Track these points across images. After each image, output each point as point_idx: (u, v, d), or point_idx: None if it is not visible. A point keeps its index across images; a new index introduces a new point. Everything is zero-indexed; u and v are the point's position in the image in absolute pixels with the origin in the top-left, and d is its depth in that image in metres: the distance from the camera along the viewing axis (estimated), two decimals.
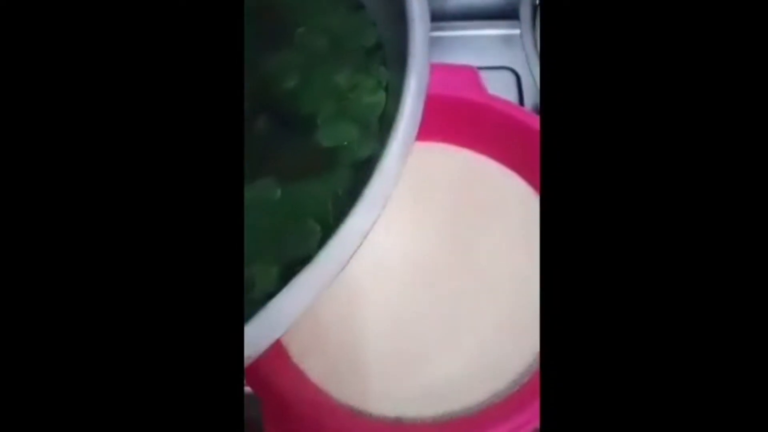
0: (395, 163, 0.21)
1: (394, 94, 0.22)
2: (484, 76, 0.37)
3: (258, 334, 0.18)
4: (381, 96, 0.23)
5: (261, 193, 0.22)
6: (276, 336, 0.19)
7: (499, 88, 0.45)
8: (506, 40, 0.44)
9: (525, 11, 0.41)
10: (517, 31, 0.42)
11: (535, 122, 0.36)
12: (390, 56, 0.24)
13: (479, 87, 0.37)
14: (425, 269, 0.36)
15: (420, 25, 0.23)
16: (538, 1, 0.42)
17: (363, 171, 0.22)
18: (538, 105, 0.40)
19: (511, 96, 0.46)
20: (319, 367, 0.35)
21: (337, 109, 0.23)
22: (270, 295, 0.20)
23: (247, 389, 0.32)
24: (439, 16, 0.48)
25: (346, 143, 0.22)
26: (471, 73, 0.37)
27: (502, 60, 0.46)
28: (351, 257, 0.20)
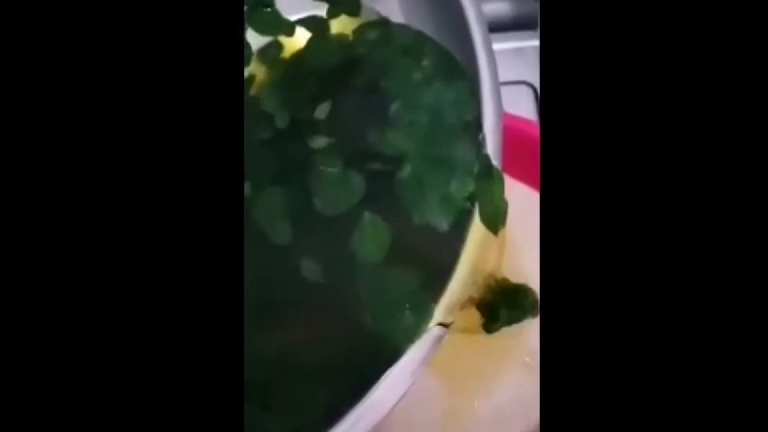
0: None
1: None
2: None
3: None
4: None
5: None
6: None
7: (516, 104, 0.41)
8: (519, 52, 0.43)
9: None
10: (531, 43, 0.44)
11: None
12: None
13: None
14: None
15: (493, 104, 0.23)
16: None
17: None
18: None
19: (530, 113, 0.42)
20: None
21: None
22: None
23: None
24: None
25: None
26: None
27: (517, 74, 0.43)
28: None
